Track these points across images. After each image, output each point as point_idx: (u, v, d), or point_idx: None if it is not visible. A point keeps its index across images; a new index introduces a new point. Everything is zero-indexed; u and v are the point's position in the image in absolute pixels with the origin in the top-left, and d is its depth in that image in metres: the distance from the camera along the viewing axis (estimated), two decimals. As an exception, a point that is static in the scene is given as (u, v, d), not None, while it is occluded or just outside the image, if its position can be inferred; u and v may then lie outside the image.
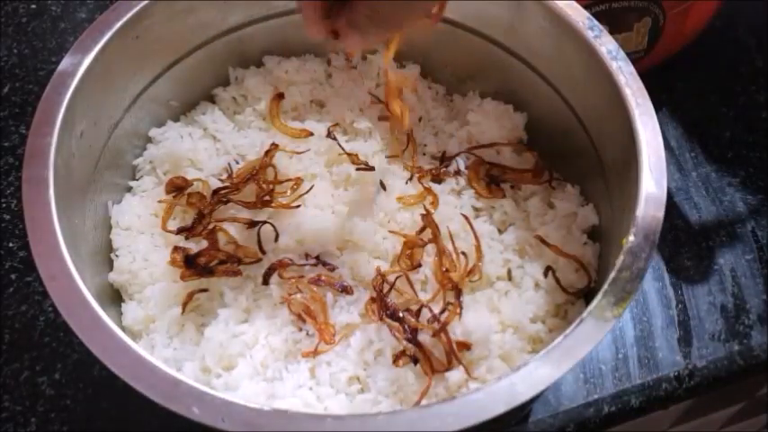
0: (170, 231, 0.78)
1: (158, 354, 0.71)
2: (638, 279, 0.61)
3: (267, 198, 0.79)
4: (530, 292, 0.76)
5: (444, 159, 0.87)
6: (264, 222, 0.78)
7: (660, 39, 0.95)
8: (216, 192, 0.80)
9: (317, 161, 0.85)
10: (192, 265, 0.75)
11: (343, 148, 0.86)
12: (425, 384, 0.69)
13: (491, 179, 0.85)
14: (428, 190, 0.82)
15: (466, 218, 0.80)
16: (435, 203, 0.81)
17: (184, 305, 0.75)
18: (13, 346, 0.82)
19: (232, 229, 0.79)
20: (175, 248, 0.76)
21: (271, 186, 0.80)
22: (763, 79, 1.05)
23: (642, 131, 0.68)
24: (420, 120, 0.91)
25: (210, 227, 0.77)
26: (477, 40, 0.87)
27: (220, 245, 0.76)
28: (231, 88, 0.92)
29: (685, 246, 0.90)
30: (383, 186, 0.83)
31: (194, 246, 0.77)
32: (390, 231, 0.79)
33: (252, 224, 0.78)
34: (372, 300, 0.74)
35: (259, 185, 0.80)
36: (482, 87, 0.91)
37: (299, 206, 0.80)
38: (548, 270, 0.76)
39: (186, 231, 0.77)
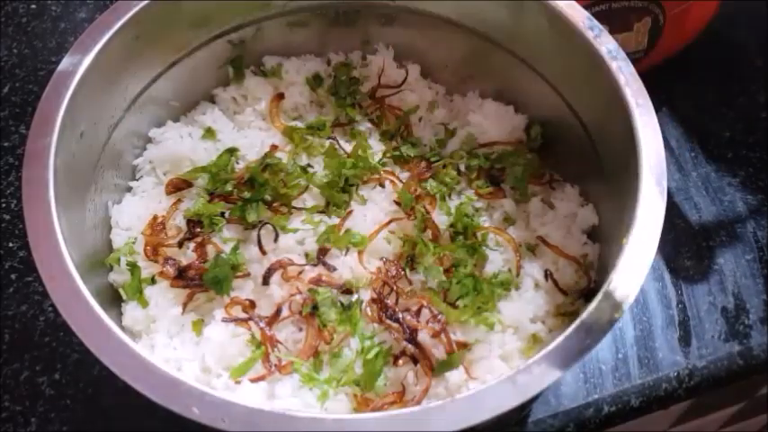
0: (152, 260, 0.78)
1: (158, 354, 0.71)
2: (639, 279, 0.61)
3: (267, 198, 0.79)
4: (530, 292, 0.76)
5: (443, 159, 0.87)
6: (265, 223, 0.78)
7: (660, 39, 0.95)
8: (213, 194, 0.80)
9: (318, 161, 0.85)
10: (181, 277, 0.75)
11: (343, 149, 0.86)
12: (425, 384, 0.69)
13: (491, 179, 0.85)
14: (424, 191, 0.82)
15: (469, 218, 0.80)
16: (434, 204, 0.81)
17: (184, 305, 0.75)
18: (13, 346, 0.82)
19: (232, 230, 0.79)
20: (165, 260, 0.76)
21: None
22: (763, 79, 1.05)
23: (642, 131, 0.68)
24: (420, 120, 0.91)
25: (199, 239, 0.77)
26: (477, 40, 0.87)
27: (209, 257, 0.77)
28: (231, 88, 0.92)
29: (685, 246, 0.90)
30: (382, 186, 0.83)
31: (184, 258, 0.77)
32: (391, 232, 0.79)
33: (251, 225, 0.78)
34: (373, 300, 0.74)
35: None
36: (482, 87, 0.92)
37: (299, 208, 0.80)
38: (547, 274, 0.76)
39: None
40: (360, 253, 0.77)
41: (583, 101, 0.80)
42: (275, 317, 0.73)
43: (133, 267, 0.77)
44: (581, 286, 0.77)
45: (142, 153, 0.86)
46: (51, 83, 0.71)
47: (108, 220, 0.80)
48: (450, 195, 0.84)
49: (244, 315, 0.73)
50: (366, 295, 0.75)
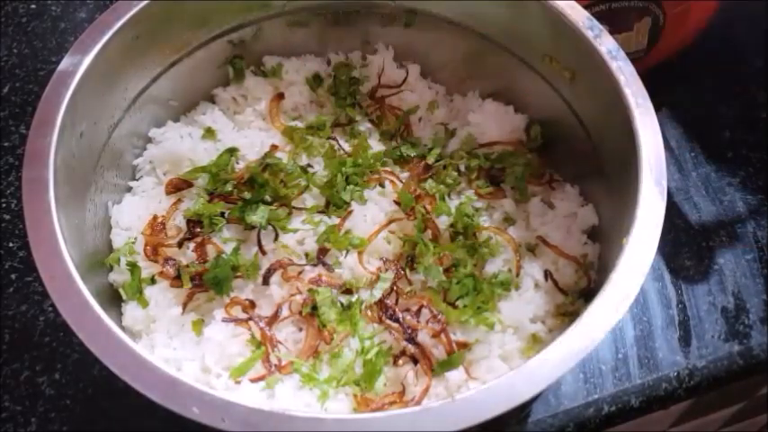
0: (152, 260, 0.78)
1: (158, 354, 0.71)
2: (639, 279, 0.61)
3: (267, 198, 0.79)
4: (530, 292, 0.76)
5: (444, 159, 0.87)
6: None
7: (660, 39, 0.95)
8: (213, 194, 0.81)
9: (318, 161, 0.85)
10: (181, 277, 0.75)
11: (343, 148, 0.86)
12: (425, 384, 0.69)
13: (491, 179, 0.85)
14: (424, 191, 0.82)
15: (469, 218, 0.80)
16: (434, 204, 0.81)
17: (184, 305, 0.75)
18: (13, 346, 0.82)
19: (232, 230, 0.79)
20: (165, 260, 0.76)
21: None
22: (763, 79, 1.05)
23: (642, 131, 0.68)
24: (420, 120, 0.91)
25: (199, 239, 0.77)
26: (476, 40, 0.87)
27: (209, 257, 0.77)
28: (231, 88, 0.92)
29: (685, 246, 0.90)
30: (382, 186, 0.83)
31: (184, 258, 0.78)
32: (391, 232, 0.79)
33: (251, 225, 0.78)
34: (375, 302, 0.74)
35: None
36: (482, 87, 0.91)
37: (299, 208, 0.80)
38: (546, 274, 0.76)
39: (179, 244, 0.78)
40: (360, 253, 0.77)
41: (583, 101, 0.80)
42: (275, 317, 0.73)
43: (133, 267, 0.77)
44: (581, 286, 0.77)
45: (142, 153, 0.86)
46: (51, 83, 0.71)
47: (108, 220, 0.80)
48: (449, 195, 0.84)
49: (244, 315, 0.73)
50: (366, 295, 0.75)
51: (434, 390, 0.69)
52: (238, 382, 0.69)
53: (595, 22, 0.75)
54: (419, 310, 0.73)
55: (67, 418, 0.77)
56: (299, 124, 0.88)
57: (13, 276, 0.86)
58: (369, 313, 0.73)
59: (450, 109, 0.93)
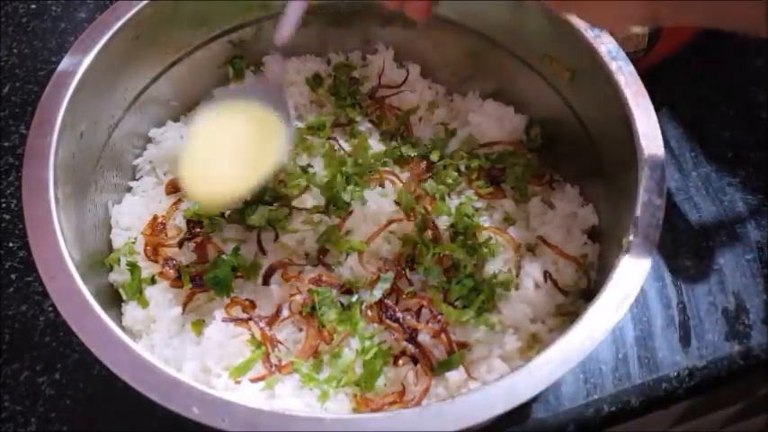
0: (152, 260, 0.78)
1: (158, 354, 0.71)
2: (639, 279, 0.61)
3: (267, 198, 0.79)
4: (530, 292, 0.76)
5: (444, 159, 0.87)
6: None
7: (660, 39, 0.95)
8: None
9: (318, 161, 0.85)
10: (181, 278, 0.75)
11: (343, 148, 0.86)
12: (425, 384, 0.69)
13: (491, 179, 0.85)
14: (424, 191, 0.82)
15: (469, 218, 0.80)
16: (434, 204, 0.81)
17: (184, 305, 0.75)
18: (13, 346, 0.82)
19: (232, 230, 0.79)
20: (165, 260, 0.76)
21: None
22: (763, 79, 1.05)
23: (642, 132, 0.68)
24: (420, 120, 0.91)
25: (199, 239, 0.78)
26: (477, 40, 0.87)
27: (209, 257, 0.77)
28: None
29: (685, 246, 0.90)
30: (382, 186, 0.83)
31: (184, 258, 0.78)
32: (390, 232, 0.79)
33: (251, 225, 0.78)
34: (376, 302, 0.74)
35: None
36: (482, 87, 0.91)
37: (299, 208, 0.80)
38: (546, 275, 0.76)
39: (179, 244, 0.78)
40: (360, 253, 0.77)
41: (583, 101, 0.80)
42: (275, 317, 0.73)
43: (133, 267, 0.77)
44: (581, 286, 0.77)
45: (142, 153, 0.86)
46: (51, 83, 0.71)
47: (108, 220, 0.80)
48: (450, 195, 0.84)
49: (244, 315, 0.73)
50: (366, 295, 0.75)
51: (434, 390, 0.69)
52: (238, 382, 0.69)
53: (595, 22, 0.75)
54: (419, 311, 0.73)
55: (67, 418, 0.77)
56: (299, 124, 0.88)
57: (13, 276, 0.86)
58: (369, 313, 0.73)
59: (451, 109, 0.93)
